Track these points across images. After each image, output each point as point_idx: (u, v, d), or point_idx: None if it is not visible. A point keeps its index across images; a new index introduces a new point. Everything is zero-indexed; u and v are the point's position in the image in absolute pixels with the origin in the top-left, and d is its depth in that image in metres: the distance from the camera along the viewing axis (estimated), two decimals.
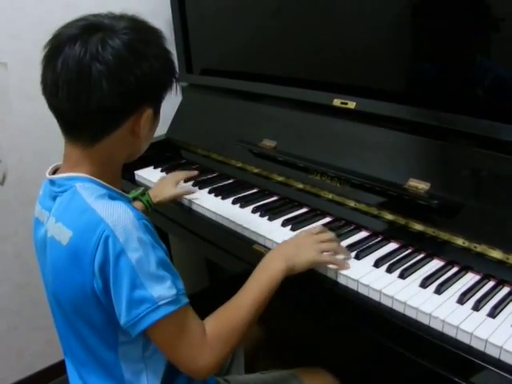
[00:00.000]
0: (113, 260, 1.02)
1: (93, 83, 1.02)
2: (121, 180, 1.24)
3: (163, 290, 1.04)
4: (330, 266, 1.34)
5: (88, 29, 1.05)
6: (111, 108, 1.06)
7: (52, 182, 1.16)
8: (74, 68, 1.02)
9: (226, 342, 1.14)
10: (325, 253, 1.33)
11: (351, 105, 1.65)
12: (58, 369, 2.39)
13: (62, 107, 1.07)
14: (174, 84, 1.19)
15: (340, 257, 1.35)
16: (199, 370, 1.13)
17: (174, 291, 1.05)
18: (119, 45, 1.04)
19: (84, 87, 1.02)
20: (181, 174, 1.91)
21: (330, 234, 1.38)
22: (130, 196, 1.61)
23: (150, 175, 2.09)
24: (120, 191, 1.20)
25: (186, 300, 1.09)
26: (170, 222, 1.91)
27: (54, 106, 1.09)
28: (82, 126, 1.09)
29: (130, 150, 1.19)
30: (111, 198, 1.11)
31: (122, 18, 1.10)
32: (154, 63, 1.08)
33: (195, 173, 1.95)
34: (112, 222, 1.03)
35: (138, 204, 1.66)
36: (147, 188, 1.81)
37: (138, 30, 1.10)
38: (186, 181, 1.93)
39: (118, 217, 1.04)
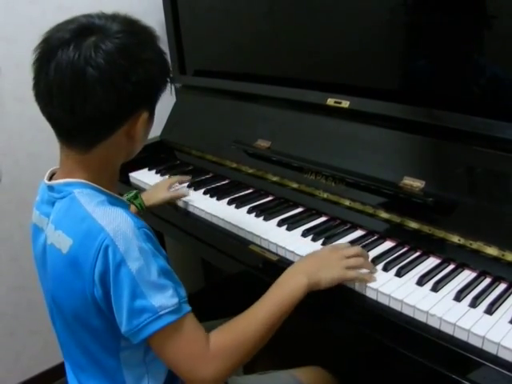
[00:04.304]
0: (113, 270, 1.01)
1: (87, 90, 1.00)
2: (117, 184, 1.23)
3: (165, 299, 1.03)
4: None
5: (80, 32, 1.02)
6: (107, 115, 1.04)
7: (50, 188, 1.14)
8: (67, 74, 1.00)
9: (232, 356, 1.10)
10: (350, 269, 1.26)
11: (345, 104, 1.65)
12: (56, 372, 2.40)
13: (56, 115, 1.05)
14: (169, 84, 1.17)
15: (366, 271, 1.29)
16: (200, 383, 1.10)
17: (175, 300, 1.04)
18: (113, 50, 1.01)
19: (78, 95, 1.00)
20: (174, 178, 1.91)
21: (357, 249, 1.31)
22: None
23: (144, 177, 2.09)
24: (118, 196, 1.19)
25: (188, 308, 1.07)
26: (165, 223, 1.91)
27: (48, 114, 1.07)
28: (77, 132, 1.07)
29: (126, 152, 1.17)
30: (110, 203, 1.09)
31: (114, 19, 1.07)
32: (150, 68, 1.06)
33: (188, 177, 1.96)
34: (112, 230, 1.02)
35: (130, 207, 1.65)
36: (141, 190, 1.81)
37: (132, 32, 1.06)
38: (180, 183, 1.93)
39: (118, 225, 1.03)
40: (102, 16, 1.08)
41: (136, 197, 1.69)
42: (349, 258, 1.27)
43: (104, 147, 1.09)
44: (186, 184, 1.93)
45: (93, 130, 1.06)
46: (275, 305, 1.16)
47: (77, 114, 1.02)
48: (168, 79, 1.15)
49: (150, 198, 1.75)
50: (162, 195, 1.79)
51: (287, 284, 1.20)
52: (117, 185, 1.23)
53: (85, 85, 1.00)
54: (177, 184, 1.90)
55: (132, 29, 1.08)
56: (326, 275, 1.22)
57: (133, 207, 1.66)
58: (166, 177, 2.04)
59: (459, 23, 1.42)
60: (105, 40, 1.02)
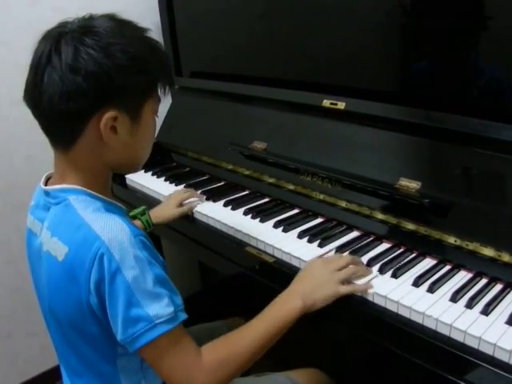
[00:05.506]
0: (108, 278, 1.00)
1: (44, 85, 1.01)
2: (110, 189, 1.22)
3: (160, 308, 1.02)
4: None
5: (58, 34, 1.03)
6: (65, 109, 1.02)
7: (46, 193, 1.13)
8: (32, 70, 1.03)
9: (224, 369, 1.10)
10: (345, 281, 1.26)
11: (341, 105, 1.65)
12: (53, 375, 2.39)
13: (29, 107, 1.07)
14: (149, 86, 1.12)
15: (362, 280, 1.29)
16: None
17: (171, 309, 1.04)
18: (72, 47, 1.01)
19: (37, 90, 1.02)
20: (185, 194, 1.83)
21: (347, 259, 1.31)
22: (130, 215, 1.58)
23: (140, 179, 2.09)
24: (114, 202, 1.17)
25: (183, 316, 1.07)
26: (161, 225, 1.90)
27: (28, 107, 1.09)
28: (48, 126, 1.08)
29: (106, 156, 1.12)
30: (107, 210, 1.08)
31: (93, 19, 1.07)
32: (106, 62, 1.01)
33: (202, 197, 1.86)
34: (108, 238, 1.01)
35: (136, 223, 1.61)
36: (150, 205, 1.78)
37: (105, 30, 1.04)
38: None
39: (114, 233, 1.02)
40: (87, 17, 1.08)
41: (143, 213, 1.66)
42: (341, 269, 1.27)
43: (82, 148, 1.07)
44: (183, 185, 1.90)
45: (59, 125, 1.06)
46: (269, 326, 1.17)
47: (37, 108, 1.05)
48: (140, 80, 1.09)
49: (158, 216, 1.73)
50: (170, 212, 1.76)
51: (282, 307, 1.21)
52: (110, 190, 1.21)
53: (42, 81, 1.01)
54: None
55: (107, 27, 1.05)
56: (320, 296, 1.22)
57: (138, 223, 1.63)
58: (172, 185, 2.03)
59: (456, 24, 1.42)
60: (72, 40, 1.02)
